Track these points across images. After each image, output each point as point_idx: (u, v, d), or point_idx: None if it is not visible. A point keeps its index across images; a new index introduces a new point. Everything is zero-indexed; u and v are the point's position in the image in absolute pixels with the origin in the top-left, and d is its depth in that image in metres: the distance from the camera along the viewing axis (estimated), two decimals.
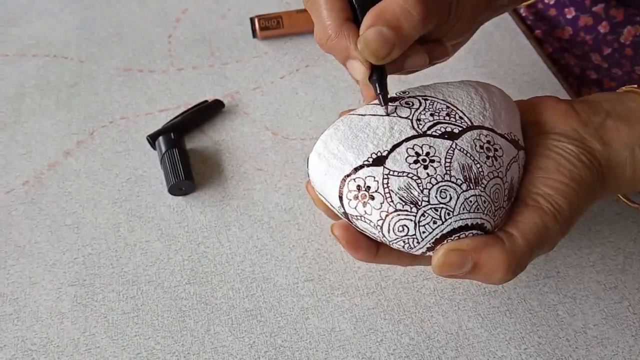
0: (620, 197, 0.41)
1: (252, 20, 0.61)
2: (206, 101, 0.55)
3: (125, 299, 0.43)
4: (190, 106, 0.54)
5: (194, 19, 0.64)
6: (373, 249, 0.34)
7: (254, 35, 0.61)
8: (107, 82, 0.57)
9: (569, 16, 0.61)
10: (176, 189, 0.48)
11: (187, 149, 0.51)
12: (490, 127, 0.33)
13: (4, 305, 0.42)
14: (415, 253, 0.32)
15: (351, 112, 0.35)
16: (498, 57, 0.60)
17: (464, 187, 0.31)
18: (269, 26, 0.60)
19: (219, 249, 0.46)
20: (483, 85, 0.36)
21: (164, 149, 0.49)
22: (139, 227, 0.47)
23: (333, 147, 0.33)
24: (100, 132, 0.53)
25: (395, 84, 0.57)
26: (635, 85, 0.38)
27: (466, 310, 0.42)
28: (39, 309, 0.42)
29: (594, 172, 0.34)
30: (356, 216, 0.32)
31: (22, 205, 0.48)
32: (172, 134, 0.50)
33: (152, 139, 0.51)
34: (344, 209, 0.32)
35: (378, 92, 0.34)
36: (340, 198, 0.32)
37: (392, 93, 0.36)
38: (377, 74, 0.34)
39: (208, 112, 0.54)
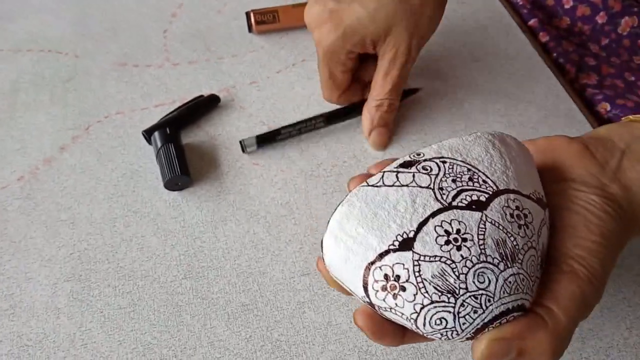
0: None
1: (247, 14, 0.61)
2: (202, 96, 0.55)
3: (121, 294, 0.43)
4: (186, 101, 0.54)
5: (189, 13, 0.64)
6: (399, 335, 0.32)
7: (250, 29, 0.61)
8: (102, 77, 0.57)
9: (566, 6, 0.61)
10: (172, 184, 0.48)
11: (183, 144, 0.50)
12: (516, 188, 0.31)
13: None
14: (455, 341, 0.30)
15: (363, 183, 0.31)
16: (494, 51, 0.60)
17: (502, 266, 0.28)
18: (265, 20, 0.60)
19: (215, 244, 0.46)
20: (499, 138, 0.33)
21: (159, 144, 0.49)
22: (134, 222, 0.47)
23: (351, 229, 0.30)
24: (96, 127, 0.53)
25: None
26: None
27: None
28: (35, 305, 0.42)
29: (619, 222, 0.33)
30: (385, 308, 0.29)
31: (17, 200, 0.48)
32: (167, 129, 0.50)
33: (148, 134, 0.50)
34: (370, 299, 0.29)
35: None
36: (365, 288, 0.29)
37: (405, 156, 0.33)
38: None
39: (204, 106, 0.54)
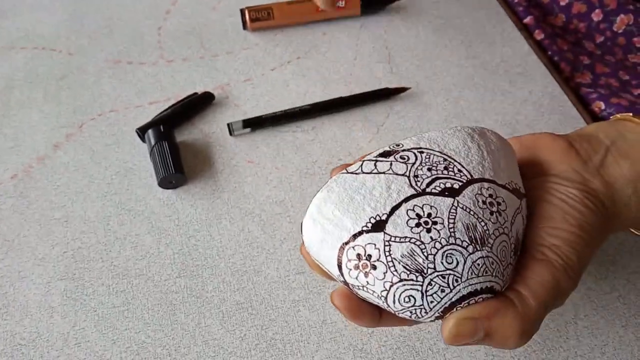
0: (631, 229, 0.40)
1: (242, 11, 0.61)
2: (196, 93, 0.54)
3: (115, 292, 0.43)
4: (180, 98, 0.54)
5: (184, 10, 0.64)
6: (376, 315, 0.32)
7: (244, 26, 0.61)
8: (96, 75, 0.57)
9: (562, 3, 0.60)
10: (166, 182, 0.48)
11: (177, 142, 0.50)
12: (491, 178, 0.32)
13: None
14: (423, 322, 0.31)
15: (343, 171, 0.33)
16: (490, 49, 0.60)
17: (470, 249, 0.29)
18: (259, 17, 0.60)
19: (210, 242, 0.45)
20: (479, 131, 0.34)
21: (153, 142, 0.48)
22: (128, 220, 0.46)
23: (328, 212, 0.31)
24: (90, 125, 0.53)
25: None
26: (630, 114, 0.36)
27: None
28: (28, 303, 0.42)
29: (599, 216, 0.33)
30: (358, 286, 0.30)
31: (10, 199, 0.48)
32: (161, 127, 0.49)
33: (142, 132, 0.50)
34: (344, 278, 0.31)
35: None
36: (340, 267, 0.30)
37: (384, 147, 0.35)
38: None
39: (198, 104, 0.54)
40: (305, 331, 0.41)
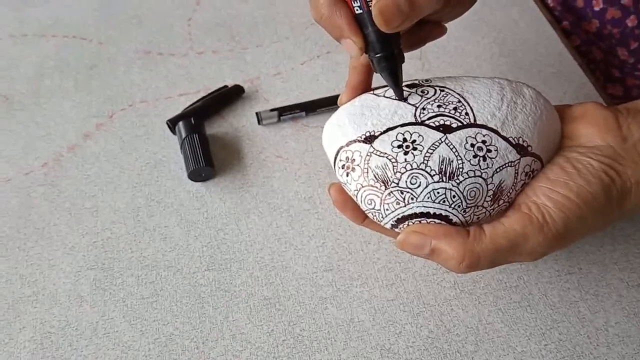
0: None
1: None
2: (226, 86, 0.54)
3: (144, 283, 0.43)
4: (210, 91, 0.54)
5: (214, 2, 0.63)
6: (359, 213, 0.36)
7: None
8: (126, 65, 0.57)
9: (596, 8, 0.59)
10: (196, 175, 0.48)
11: (207, 135, 0.50)
12: (495, 128, 0.34)
13: (23, 287, 0.43)
14: (385, 226, 0.35)
15: (372, 91, 0.38)
16: (523, 47, 0.59)
17: (436, 178, 0.33)
18: None
19: (238, 236, 0.45)
20: (514, 85, 0.36)
21: (184, 134, 0.48)
22: (158, 212, 0.47)
23: (342, 120, 0.37)
24: (120, 115, 0.53)
25: (419, 72, 0.56)
26: None
27: (487, 305, 0.42)
28: (58, 292, 0.42)
29: (610, 194, 0.33)
30: (342, 182, 0.36)
31: (41, 187, 0.48)
32: (192, 119, 0.49)
33: (172, 124, 0.50)
34: (335, 173, 0.36)
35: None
36: (335, 164, 0.36)
37: (415, 80, 0.38)
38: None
39: (228, 97, 0.53)
40: (333, 329, 0.41)
